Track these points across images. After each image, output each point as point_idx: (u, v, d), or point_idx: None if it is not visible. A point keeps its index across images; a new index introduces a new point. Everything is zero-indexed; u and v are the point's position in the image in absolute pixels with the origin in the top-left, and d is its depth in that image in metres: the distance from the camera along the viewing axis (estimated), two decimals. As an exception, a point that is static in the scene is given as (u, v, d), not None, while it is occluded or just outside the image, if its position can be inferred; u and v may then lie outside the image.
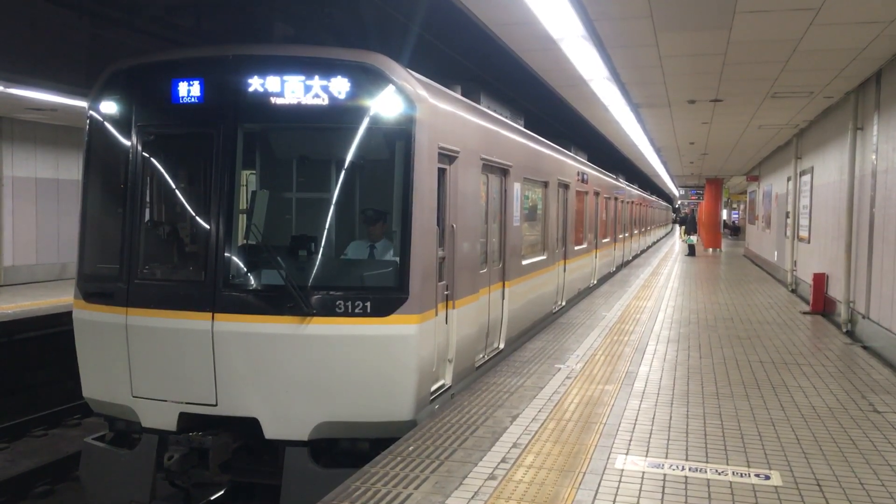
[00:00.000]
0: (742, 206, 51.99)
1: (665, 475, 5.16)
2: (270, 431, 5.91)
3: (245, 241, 6.43)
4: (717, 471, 5.26)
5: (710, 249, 36.42)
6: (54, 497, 8.88)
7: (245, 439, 6.08)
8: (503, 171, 9.09)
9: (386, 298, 5.91)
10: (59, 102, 12.85)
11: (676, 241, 47.72)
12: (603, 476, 5.10)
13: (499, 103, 9.83)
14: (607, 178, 20.69)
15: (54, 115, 15.34)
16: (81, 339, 6.51)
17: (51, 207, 17.69)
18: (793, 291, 17.50)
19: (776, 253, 21.55)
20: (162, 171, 6.57)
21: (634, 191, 30.08)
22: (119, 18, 9.77)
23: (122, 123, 6.39)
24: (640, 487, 4.92)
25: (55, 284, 16.92)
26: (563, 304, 13.62)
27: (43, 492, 8.88)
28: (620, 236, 24.12)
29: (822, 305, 13.66)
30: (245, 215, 6.51)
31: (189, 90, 6.09)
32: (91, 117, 6.55)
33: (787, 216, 18.85)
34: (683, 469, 5.28)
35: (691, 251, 31.31)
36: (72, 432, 10.98)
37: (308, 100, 5.94)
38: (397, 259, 6.09)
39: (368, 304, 5.84)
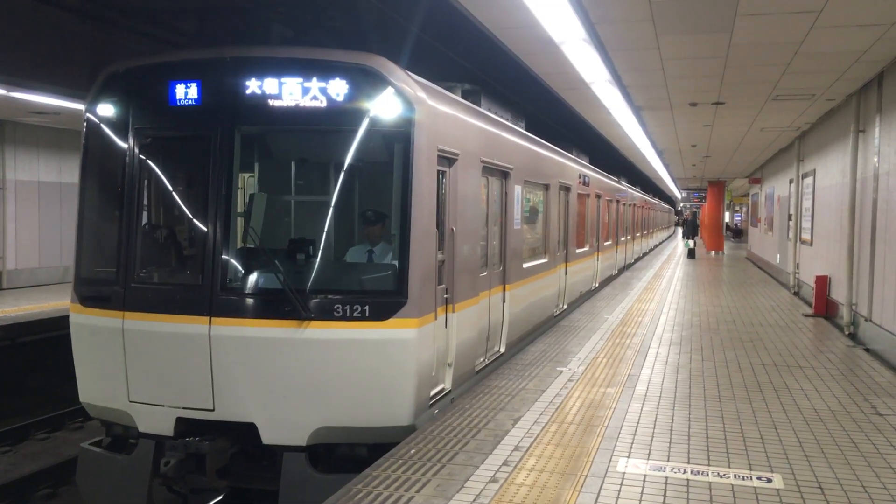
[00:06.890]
0: (744, 209, 51.97)
1: (667, 478, 5.12)
2: (268, 436, 5.88)
3: (243, 245, 6.41)
4: (719, 474, 5.23)
5: (713, 252, 36.46)
6: (56, 500, 8.88)
7: (242, 444, 6.04)
8: (504, 174, 9.06)
9: (384, 302, 5.87)
10: (62, 106, 12.87)
11: (679, 243, 47.66)
12: (605, 479, 5.06)
13: (499, 106, 9.79)
14: (609, 181, 20.64)
15: (57, 118, 15.37)
16: (78, 343, 6.49)
17: (53, 211, 17.74)
18: (795, 294, 17.45)
19: (778, 255, 21.50)
20: (159, 173, 6.53)
21: (636, 193, 30.04)
22: (121, 22, 9.77)
23: (120, 126, 6.36)
24: (642, 490, 4.89)
25: (58, 288, 16.94)
26: (565, 307, 13.58)
27: (45, 495, 8.87)
28: (622, 239, 24.07)
29: (824, 308, 13.61)
30: (243, 218, 6.48)
31: (186, 92, 6.06)
32: (88, 120, 6.52)
33: (790, 218, 18.80)
34: (685, 472, 5.25)
35: (691, 254, 31.64)
36: (74, 436, 10.97)
37: (306, 102, 5.91)
38: (396, 262, 6.05)
39: (367, 307, 5.79)
